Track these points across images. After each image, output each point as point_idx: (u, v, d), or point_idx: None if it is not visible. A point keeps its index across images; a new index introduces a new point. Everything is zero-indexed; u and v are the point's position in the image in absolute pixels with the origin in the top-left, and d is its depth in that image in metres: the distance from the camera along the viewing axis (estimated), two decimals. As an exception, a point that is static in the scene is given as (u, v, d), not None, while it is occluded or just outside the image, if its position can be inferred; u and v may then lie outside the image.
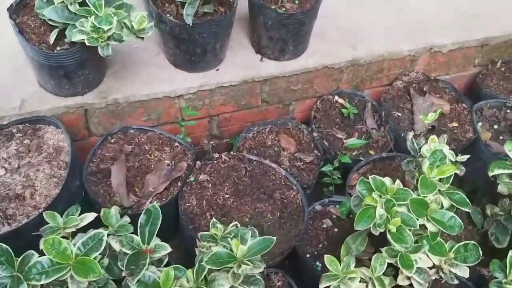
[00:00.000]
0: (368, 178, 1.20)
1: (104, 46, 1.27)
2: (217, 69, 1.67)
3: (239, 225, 1.15)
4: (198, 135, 1.79)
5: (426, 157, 1.25)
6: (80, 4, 1.27)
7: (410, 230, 1.14)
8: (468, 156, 1.35)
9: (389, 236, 1.13)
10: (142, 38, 1.33)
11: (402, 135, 1.72)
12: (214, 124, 1.80)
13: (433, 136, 1.31)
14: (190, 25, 1.40)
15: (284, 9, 1.56)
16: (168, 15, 1.49)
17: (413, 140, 1.37)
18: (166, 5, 1.51)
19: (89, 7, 1.24)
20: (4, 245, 1.05)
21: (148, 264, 1.03)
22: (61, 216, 1.16)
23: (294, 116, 1.88)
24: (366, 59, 1.78)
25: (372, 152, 1.71)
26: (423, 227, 1.17)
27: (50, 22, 1.34)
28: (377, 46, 1.80)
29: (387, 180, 1.21)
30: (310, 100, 1.85)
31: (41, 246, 1.04)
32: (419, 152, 1.33)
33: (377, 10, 1.94)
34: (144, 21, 1.30)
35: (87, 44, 1.24)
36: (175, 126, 1.71)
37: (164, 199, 1.44)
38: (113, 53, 1.34)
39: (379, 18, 1.90)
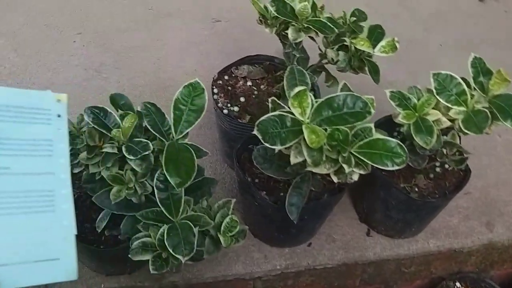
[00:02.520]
0: None
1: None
2: (309, 244, 1.25)
3: None
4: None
5: None
6: (147, 198, 0.87)
7: None
8: None
9: None
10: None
11: None
12: (292, 303, 1.37)
13: None
14: (295, 222, 0.98)
15: (417, 189, 1.13)
16: (257, 180, 1.09)
17: None
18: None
19: (163, 211, 0.83)
20: None
21: None
22: None
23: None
24: (505, 243, 1.33)
25: None
26: None
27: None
28: (519, 224, 1.35)
29: None
30: (421, 281, 1.41)
31: None
32: None
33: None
34: (236, 227, 0.88)
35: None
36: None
37: None
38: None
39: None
